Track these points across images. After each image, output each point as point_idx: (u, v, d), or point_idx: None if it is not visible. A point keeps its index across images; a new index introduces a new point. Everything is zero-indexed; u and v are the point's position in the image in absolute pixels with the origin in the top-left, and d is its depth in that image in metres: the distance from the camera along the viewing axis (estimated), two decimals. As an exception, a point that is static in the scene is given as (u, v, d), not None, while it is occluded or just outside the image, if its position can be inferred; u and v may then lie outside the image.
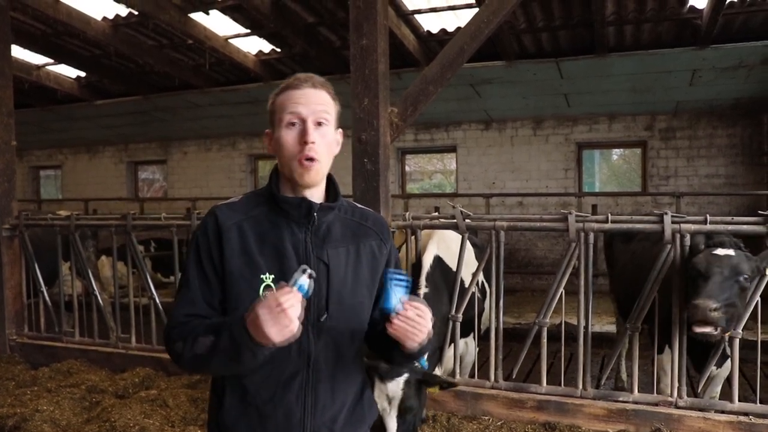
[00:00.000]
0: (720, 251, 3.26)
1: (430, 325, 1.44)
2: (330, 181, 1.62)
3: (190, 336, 1.43)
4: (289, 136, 1.49)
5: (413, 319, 1.40)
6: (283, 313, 1.25)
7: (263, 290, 1.45)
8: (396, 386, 2.96)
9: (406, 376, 3.02)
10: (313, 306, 1.48)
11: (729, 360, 3.50)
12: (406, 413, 3.01)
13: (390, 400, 2.97)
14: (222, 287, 1.51)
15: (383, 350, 1.64)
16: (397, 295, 1.40)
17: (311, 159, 1.48)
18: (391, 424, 2.98)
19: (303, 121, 1.49)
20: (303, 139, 1.47)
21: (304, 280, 1.30)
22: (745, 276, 3.18)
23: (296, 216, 1.52)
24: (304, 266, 1.33)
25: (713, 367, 3.52)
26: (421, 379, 3.09)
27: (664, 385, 3.66)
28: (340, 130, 1.62)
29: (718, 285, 3.10)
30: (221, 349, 1.37)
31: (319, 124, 1.50)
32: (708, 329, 3.06)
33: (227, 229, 1.50)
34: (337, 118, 1.58)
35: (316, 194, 1.56)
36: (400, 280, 1.41)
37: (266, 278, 1.47)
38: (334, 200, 1.59)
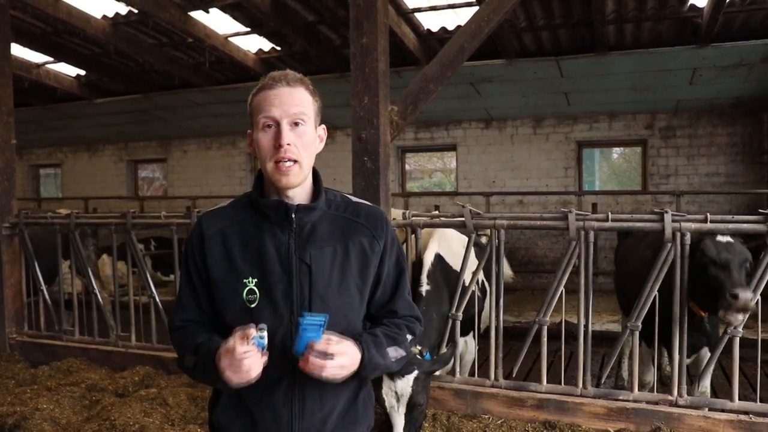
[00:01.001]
0: (721, 238, 3.29)
1: (343, 362, 1.41)
2: (315, 177, 1.60)
3: (182, 347, 1.53)
4: (264, 139, 1.48)
5: (316, 364, 1.37)
6: (241, 363, 1.35)
7: (246, 294, 1.49)
8: (405, 383, 2.96)
9: (416, 372, 3.02)
10: (295, 308, 1.49)
11: (707, 348, 3.57)
12: (414, 410, 3.01)
13: (399, 398, 2.97)
14: (209, 293, 1.55)
15: None
16: (305, 339, 1.38)
17: (288, 161, 1.46)
18: (399, 420, 2.97)
19: (277, 123, 1.47)
20: (277, 143, 1.46)
21: (262, 335, 1.38)
22: (750, 261, 3.26)
23: (276, 219, 1.52)
24: (261, 325, 1.39)
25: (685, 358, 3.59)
26: (428, 371, 3.09)
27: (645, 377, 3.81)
28: (323, 126, 1.60)
29: (739, 272, 3.18)
30: (200, 372, 1.47)
31: (296, 124, 1.48)
32: (741, 317, 3.17)
33: (210, 237, 1.54)
34: (318, 113, 1.56)
35: (301, 193, 1.55)
36: (314, 323, 1.39)
37: (249, 282, 1.50)
38: (317, 196, 1.57)
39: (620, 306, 4.90)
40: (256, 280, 1.49)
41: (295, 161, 1.47)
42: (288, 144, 1.45)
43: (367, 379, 1.56)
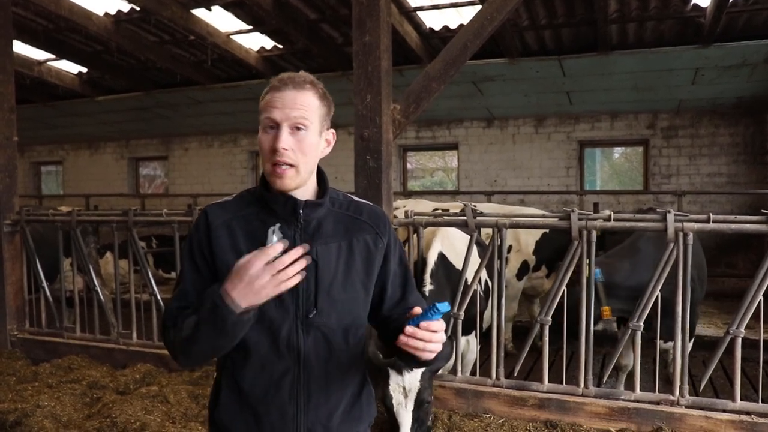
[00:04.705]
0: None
1: (442, 338, 1.39)
2: (320, 176, 1.61)
3: (178, 322, 1.45)
4: (264, 140, 1.48)
5: (423, 339, 1.35)
6: (272, 267, 1.29)
7: None
8: (414, 378, 2.93)
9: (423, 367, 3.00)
10: (301, 302, 1.49)
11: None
12: (421, 407, 2.98)
13: (407, 393, 2.94)
14: (213, 282, 1.51)
15: (397, 352, 1.55)
16: (425, 319, 1.37)
17: (284, 164, 1.46)
18: (406, 418, 2.94)
19: (277, 126, 1.46)
20: (274, 146, 1.45)
21: (278, 234, 1.34)
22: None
23: (283, 214, 1.52)
24: (272, 227, 1.34)
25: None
26: (435, 368, 3.07)
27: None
28: (332, 130, 1.59)
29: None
30: (203, 322, 1.37)
31: (297, 128, 1.47)
32: None
33: (216, 228, 1.52)
34: (325, 118, 1.54)
35: (305, 192, 1.55)
36: (439, 311, 1.36)
37: None
38: (323, 195, 1.57)
39: None
40: None
41: (292, 165, 1.47)
42: (284, 149, 1.45)
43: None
